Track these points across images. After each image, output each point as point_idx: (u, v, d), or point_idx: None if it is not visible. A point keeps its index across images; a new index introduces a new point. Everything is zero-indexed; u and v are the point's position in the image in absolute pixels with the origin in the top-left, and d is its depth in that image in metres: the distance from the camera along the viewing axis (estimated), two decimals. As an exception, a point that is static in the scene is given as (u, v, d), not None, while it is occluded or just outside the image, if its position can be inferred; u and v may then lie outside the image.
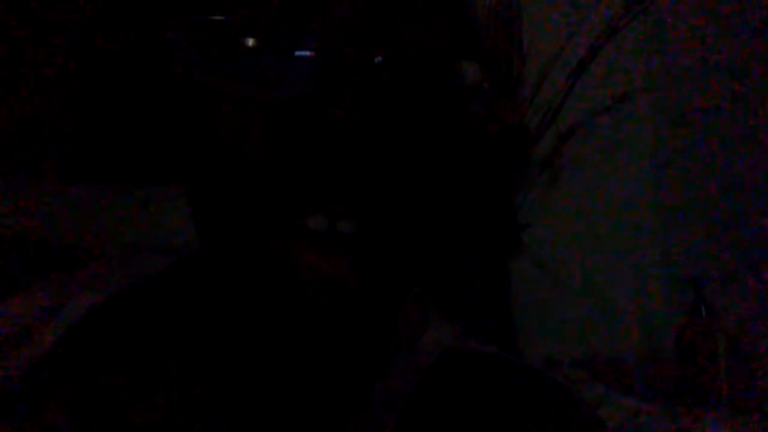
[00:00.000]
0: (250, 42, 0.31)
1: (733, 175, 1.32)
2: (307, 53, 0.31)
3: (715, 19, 1.31)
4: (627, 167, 1.29)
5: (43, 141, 0.69)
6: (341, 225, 0.31)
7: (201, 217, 0.35)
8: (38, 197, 0.71)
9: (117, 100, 0.38)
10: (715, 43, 1.31)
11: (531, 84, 1.16)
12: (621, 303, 1.28)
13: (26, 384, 0.36)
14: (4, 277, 0.41)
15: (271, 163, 0.31)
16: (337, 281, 0.31)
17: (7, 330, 0.38)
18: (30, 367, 0.37)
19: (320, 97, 0.30)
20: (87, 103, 0.40)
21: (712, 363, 1.12)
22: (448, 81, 0.34)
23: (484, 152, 1.06)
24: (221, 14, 0.31)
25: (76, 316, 0.39)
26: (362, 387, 0.38)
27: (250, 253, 0.32)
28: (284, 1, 0.31)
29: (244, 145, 0.31)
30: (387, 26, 0.32)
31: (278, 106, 0.31)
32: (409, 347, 0.41)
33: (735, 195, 1.32)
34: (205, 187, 0.33)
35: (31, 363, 0.37)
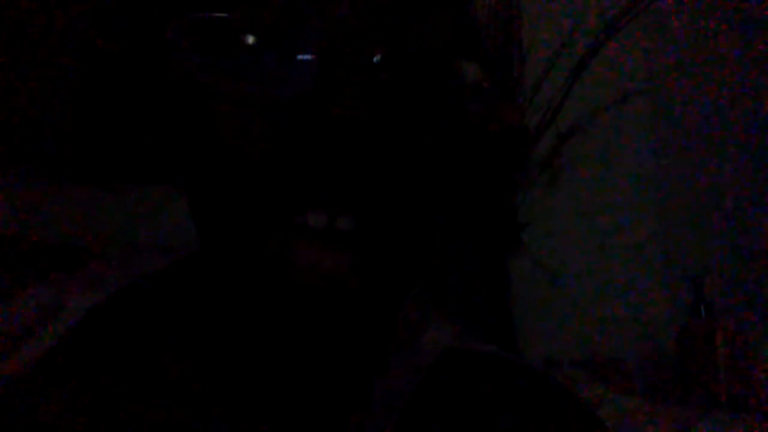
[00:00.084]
0: (250, 41, 0.31)
1: (733, 175, 1.32)
2: (308, 57, 0.31)
3: (715, 19, 1.32)
4: (627, 167, 1.29)
5: (43, 141, 0.69)
6: (341, 222, 0.31)
7: (201, 216, 0.35)
8: (38, 197, 0.71)
9: (117, 100, 0.38)
10: (715, 42, 1.31)
11: (531, 84, 1.15)
12: (621, 303, 1.28)
13: (26, 384, 0.36)
14: (4, 277, 0.41)
15: (271, 162, 0.31)
16: (337, 279, 0.31)
17: (7, 330, 0.38)
18: (30, 367, 0.37)
19: (320, 96, 0.31)
20: (87, 103, 0.39)
21: (712, 363, 1.12)
22: (448, 81, 0.34)
23: (484, 152, 1.06)
24: (221, 13, 0.31)
25: (76, 316, 0.39)
26: (362, 387, 0.38)
27: (250, 251, 0.32)
28: (284, 1, 0.31)
29: (244, 145, 0.31)
30: (387, 26, 0.32)
31: (278, 105, 0.31)
32: (409, 347, 0.41)
33: (734, 195, 1.32)
34: (205, 186, 0.33)
35: (31, 363, 0.37)
